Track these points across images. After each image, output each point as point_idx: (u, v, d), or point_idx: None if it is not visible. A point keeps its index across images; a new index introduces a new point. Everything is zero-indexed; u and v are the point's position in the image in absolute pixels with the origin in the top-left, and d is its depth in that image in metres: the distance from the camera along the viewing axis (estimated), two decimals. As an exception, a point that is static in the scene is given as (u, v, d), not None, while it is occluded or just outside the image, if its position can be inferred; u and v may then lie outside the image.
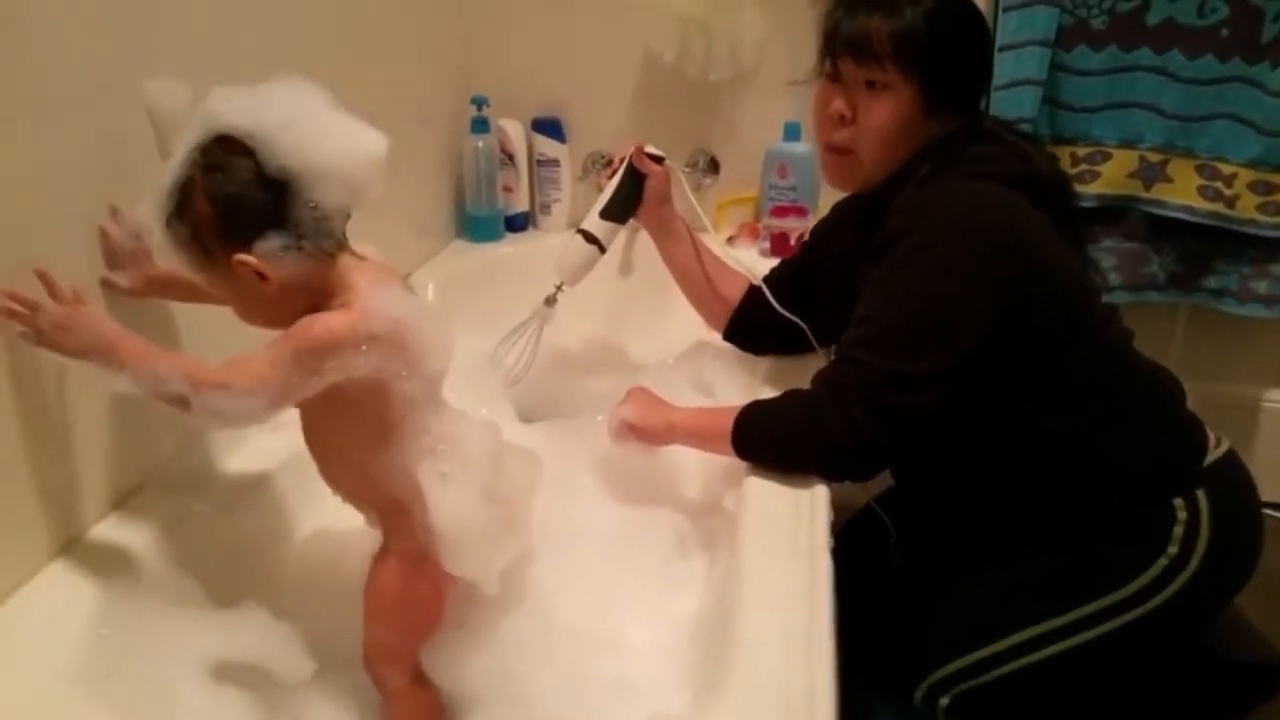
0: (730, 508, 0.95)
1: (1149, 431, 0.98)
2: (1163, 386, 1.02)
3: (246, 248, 0.71)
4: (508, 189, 1.65)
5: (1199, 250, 1.54)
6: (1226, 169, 1.46)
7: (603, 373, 1.37)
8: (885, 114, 0.95)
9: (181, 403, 0.70)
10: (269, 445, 0.99)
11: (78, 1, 0.77)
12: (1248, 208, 1.47)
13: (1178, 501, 0.95)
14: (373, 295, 0.75)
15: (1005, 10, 1.44)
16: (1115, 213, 1.54)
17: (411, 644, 0.86)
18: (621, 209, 1.20)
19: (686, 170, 1.60)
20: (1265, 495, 1.62)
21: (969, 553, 1.04)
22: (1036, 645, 0.95)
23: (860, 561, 0.94)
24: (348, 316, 0.73)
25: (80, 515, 0.82)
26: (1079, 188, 1.51)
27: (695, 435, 1.00)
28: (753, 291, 1.19)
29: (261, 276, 0.72)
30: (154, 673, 0.77)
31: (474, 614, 0.87)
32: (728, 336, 1.24)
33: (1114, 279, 1.56)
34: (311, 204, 0.72)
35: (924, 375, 0.88)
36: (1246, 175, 1.46)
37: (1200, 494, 0.95)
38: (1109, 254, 1.56)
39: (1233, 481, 0.99)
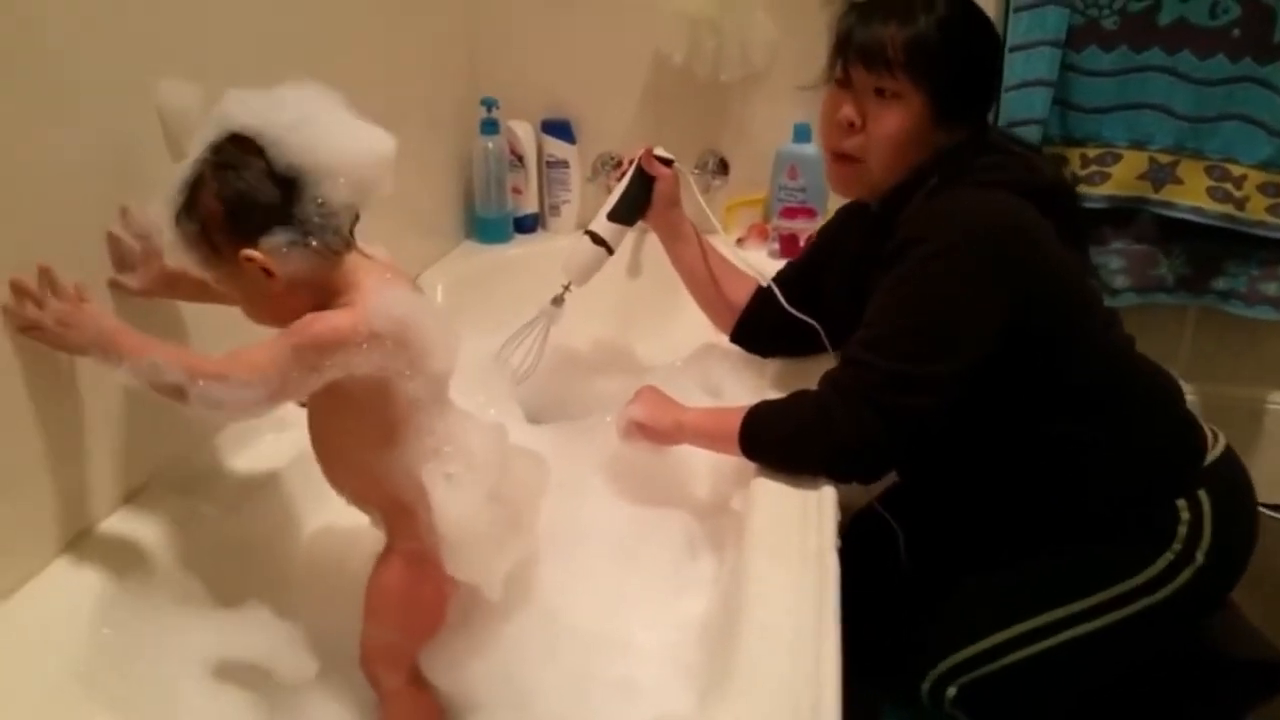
0: (738, 508, 0.96)
1: (1151, 433, 0.99)
2: (1163, 388, 1.03)
3: (254, 244, 0.72)
4: (517, 190, 1.65)
5: (1208, 252, 1.53)
6: (1236, 170, 1.46)
7: (611, 374, 1.37)
8: (894, 123, 0.95)
9: (179, 393, 0.70)
10: (276, 444, 1.00)
11: (89, 2, 0.78)
12: (1257, 209, 1.47)
13: (1180, 502, 0.96)
14: (377, 294, 0.76)
15: (1016, 11, 1.43)
16: (1125, 214, 1.54)
17: (411, 646, 0.85)
18: (630, 211, 1.20)
19: (696, 172, 1.61)
20: (1271, 497, 1.62)
21: (974, 552, 1.04)
22: (1043, 634, 0.96)
23: (866, 561, 0.94)
24: (350, 314, 0.74)
25: (87, 512, 0.83)
26: (1089, 189, 1.51)
27: (703, 435, 1.00)
28: (760, 293, 1.20)
29: (268, 273, 0.73)
30: (157, 671, 0.78)
31: (478, 614, 0.87)
32: (735, 339, 1.24)
33: (1123, 281, 1.56)
34: (319, 201, 0.72)
35: (931, 378, 0.89)
36: (1257, 177, 1.45)
37: (1202, 494, 0.97)
38: (1118, 256, 1.56)
39: (1232, 480, 1.01)
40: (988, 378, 0.91)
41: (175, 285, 0.85)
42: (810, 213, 1.54)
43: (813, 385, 0.95)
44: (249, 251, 0.72)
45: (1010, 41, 1.43)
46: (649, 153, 1.19)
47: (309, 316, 0.74)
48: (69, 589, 0.77)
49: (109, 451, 0.84)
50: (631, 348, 1.45)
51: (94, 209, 0.81)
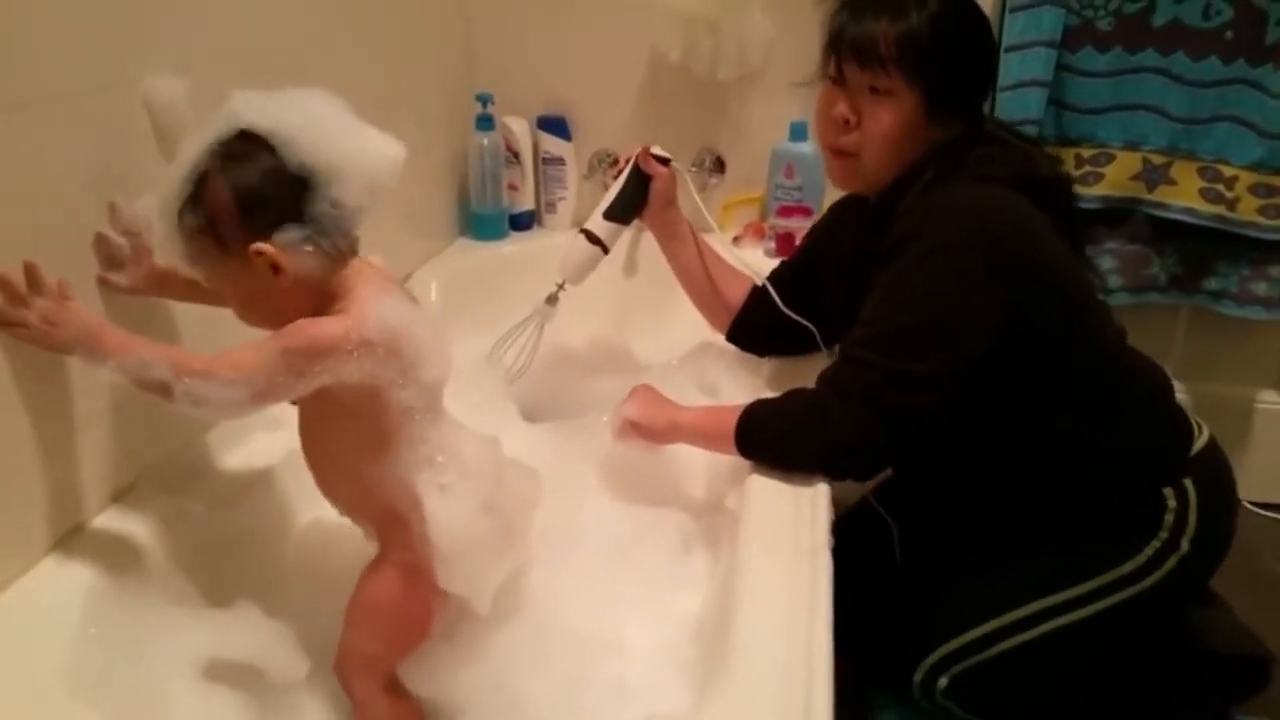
0: (732, 506, 0.96)
1: (1144, 427, 1.00)
2: (1154, 381, 1.04)
3: (265, 239, 0.72)
4: (513, 187, 1.65)
5: (1200, 252, 1.54)
6: (1228, 171, 1.47)
7: (607, 372, 1.37)
8: (889, 120, 0.95)
9: (164, 390, 0.70)
10: (266, 443, 0.99)
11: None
12: (1248, 210, 1.48)
13: (1167, 491, 0.98)
14: (371, 302, 0.75)
15: (1012, 11, 1.44)
16: (1118, 214, 1.55)
17: (390, 656, 0.84)
18: (626, 210, 1.20)
19: (693, 170, 1.61)
20: (1262, 496, 1.64)
21: (967, 545, 1.05)
22: (1032, 622, 0.98)
23: (859, 556, 0.95)
24: (343, 321, 0.74)
25: (76, 511, 0.82)
26: (1083, 189, 1.52)
27: (698, 434, 1.01)
28: (756, 293, 1.20)
29: (276, 269, 0.72)
30: (146, 670, 0.77)
31: (468, 617, 0.86)
32: (731, 338, 1.24)
33: (1116, 281, 1.57)
34: (332, 201, 0.73)
35: (928, 376, 0.89)
36: (1248, 178, 1.46)
37: (1188, 483, 0.98)
38: (1111, 256, 1.57)
39: (1215, 470, 1.03)
40: (984, 375, 0.91)
41: (165, 284, 0.85)
42: (806, 211, 1.54)
43: (809, 384, 0.95)
44: (261, 245, 0.72)
45: (1006, 42, 1.44)
46: (646, 151, 1.19)
47: (301, 321, 0.73)
48: (57, 588, 0.76)
49: (98, 450, 0.84)
50: (628, 346, 1.45)
51: (81, 205, 0.80)
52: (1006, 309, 0.90)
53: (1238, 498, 1.06)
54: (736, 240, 1.59)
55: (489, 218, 1.62)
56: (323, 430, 0.82)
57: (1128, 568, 0.97)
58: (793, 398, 0.95)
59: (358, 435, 0.79)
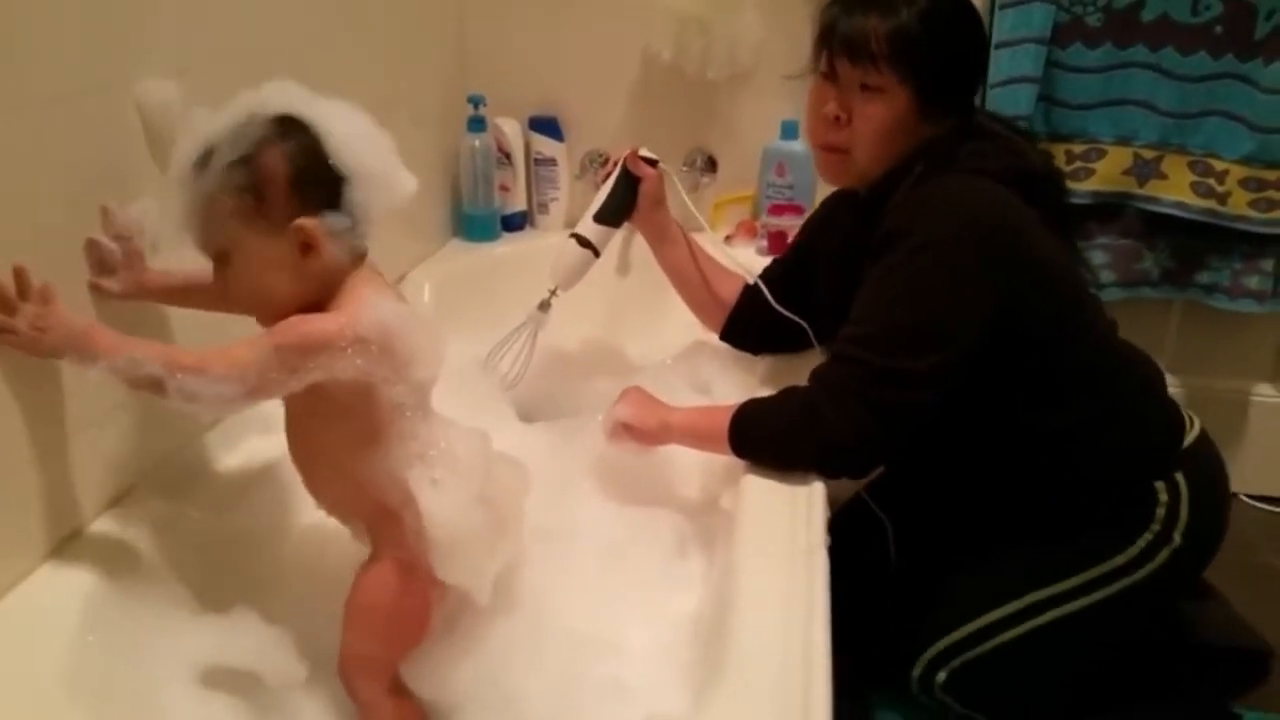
0: (727, 506, 0.96)
1: (1136, 422, 1.00)
2: (1146, 375, 1.04)
3: (311, 215, 0.73)
4: (504, 188, 1.64)
5: (1192, 247, 1.54)
6: (1219, 165, 1.47)
7: (601, 373, 1.37)
8: (880, 117, 0.95)
9: (157, 386, 0.70)
10: (264, 446, 0.99)
11: (69, 1, 0.77)
12: (1239, 204, 1.48)
13: (1159, 484, 0.98)
14: (367, 301, 0.76)
15: (1002, 8, 1.44)
16: (1109, 209, 1.55)
17: (392, 656, 0.84)
18: (615, 213, 1.20)
19: (684, 169, 1.61)
20: (1258, 488, 1.64)
21: (961, 539, 1.05)
22: (1029, 614, 0.98)
23: (854, 553, 0.95)
24: (337, 319, 0.74)
25: (72, 517, 0.82)
26: (1074, 185, 1.52)
27: (691, 435, 1.00)
28: (748, 291, 1.20)
29: (307, 248, 0.73)
30: (144, 675, 0.77)
31: (464, 618, 0.86)
32: (724, 337, 1.24)
33: (1108, 275, 1.57)
34: (362, 204, 0.75)
35: (921, 373, 0.89)
36: (1238, 172, 1.46)
37: (1179, 476, 0.99)
38: (1103, 251, 1.57)
39: (1207, 463, 1.03)
40: (977, 371, 0.91)
41: (157, 289, 0.84)
42: (798, 209, 1.54)
43: (803, 382, 0.95)
44: (306, 220, 0.72)
45: (995, 38, 1.44)
46: (634, 154, 1.19)
47: (296, 318, 0.74)
48: (57, 593, 0.76)
49: (94, 455, 0.84)
50: (621, 347, 1.44)
51: (73, 208, 0.79)
52: (997, 303, 0.90)
53: (1230, 491, 1.06)
54: (729, 239, 1.59)
55: (481, 219, 1.62)
56: (312, 427, 0.82)
57: (1119, 560, 0.97)
58: (786, 396, 0.95)
59: (348, 432, 0.80)
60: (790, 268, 1.19)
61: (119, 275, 0.82)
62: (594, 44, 1.61)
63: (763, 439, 0.95)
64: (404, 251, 1.47)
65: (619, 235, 1.25)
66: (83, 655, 0.73)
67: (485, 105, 1.57)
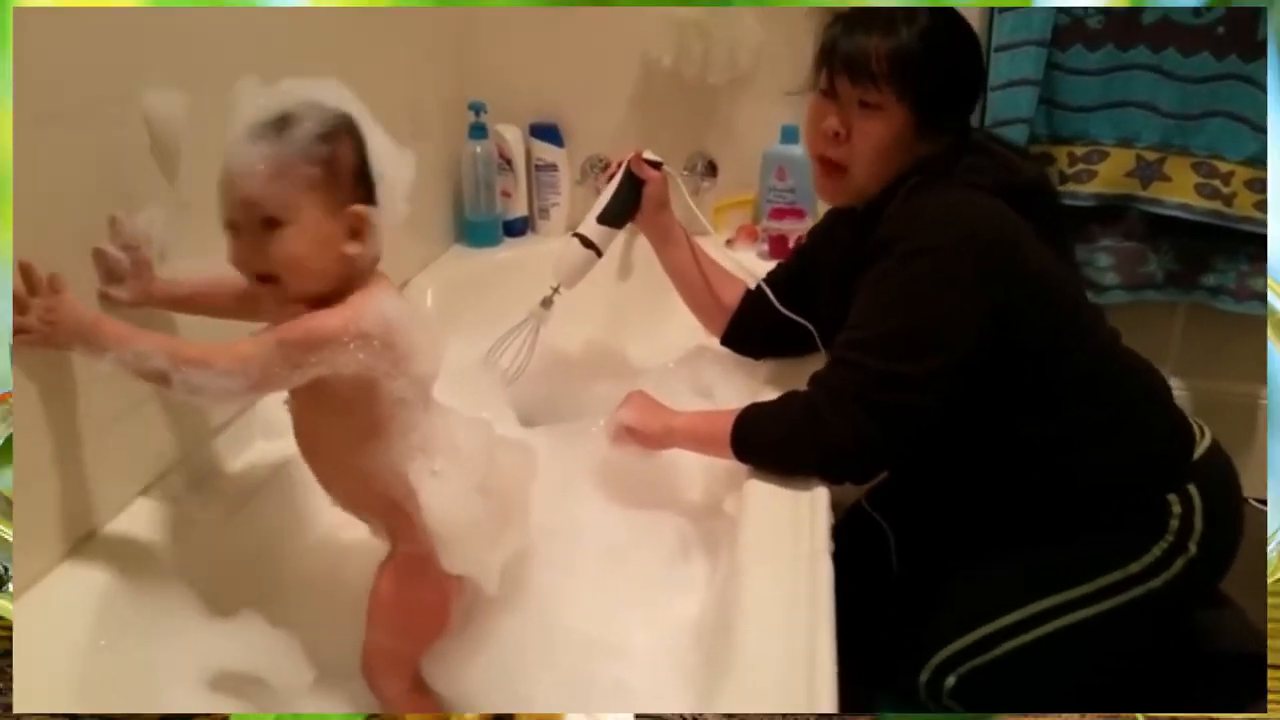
0: (731, 511, 0.96)
1: (1141, 431, 1.00)
2: (1151, 385, 1.04)
3: (366, 204, 0.75)
4: (506, 194, 1.65)
5: (1197, 248, 1.54)
6: (1223, 167, 1.46)
7: (603, 376, 1.37)
8: (878, 134, 0.96)
9: (162, 378, 0.71)
10: (273, 451, 0.99)
11: (74, 13, 0.77)
12: (1245, 205, 1.47)
13: (1171, 497, 0.97)
14: (371, 298, 0.78)
15: (1001, 11, 1.44)
16: (1113, 212, 1.54)
17: (414, 651, 0.85)
18: (619, 214, 1.20)
19: (685, 174, 1.61)
20: (1262, 492, 1.63)
21: (966, 546, 1.05)
22: (1038, 621, 0.97)
23: (858, 558, 0.94)
24: (341, 314, 0.75)
25: (89, 518, 0.82)
26: (1076, 187, 1.52)
27: (694, 439, 1.00)
28: (751, 296, 1.20)
29: (356, 235, 0.75)
30: (155, 677, 0.77)
31: (473, 619, 0.87)
32: (725, 341, 1.24)
33: (1112, 278, 1.57)
34: (389, 210, 0.78)
35: (920, 376, 0.89)
36: (1243, 173, 1.46)
37: (1192, 488, 0.98)
38: (1107, 253, 1.56)
39: (1220, 474, 1.02)
40: (976, 380, 0.91)
41: (165, 297, 0.85)
42: (799, 213, 1.54)
43: (805, 386, 0.95)
44: (362, 208, 0.75)
45: (996, 41, 1.44)
46: (638, 156, 1.19)
47: (302, 316, 0.75)
48: (73, 593, 0.77)
49: (112, 458, 0.84)
50: (623, 350, 1.45)
51: (80, 219, 0.80)
52: (994, 316, 0.91)
53: (1244, 501, 1.05)
54: (729, 243, 1.59)
55: (483, 225, 1.62)
56: (316, 422, 0.83)
57: (1134, 568, 0.96)
58: (787, 400, 0.95)
59: (350, 426, 0.81)
60: (794, 273, 1.19)
61: (127, 284, 0.83)
62: (593, 50, 1.61)
63: (765, 443, 0.94)
64: (407, 257, 1.47)
65: (621, 237, 1.25)
66: (97, 656, 0.74)
67: (486, 112, 1.58)
